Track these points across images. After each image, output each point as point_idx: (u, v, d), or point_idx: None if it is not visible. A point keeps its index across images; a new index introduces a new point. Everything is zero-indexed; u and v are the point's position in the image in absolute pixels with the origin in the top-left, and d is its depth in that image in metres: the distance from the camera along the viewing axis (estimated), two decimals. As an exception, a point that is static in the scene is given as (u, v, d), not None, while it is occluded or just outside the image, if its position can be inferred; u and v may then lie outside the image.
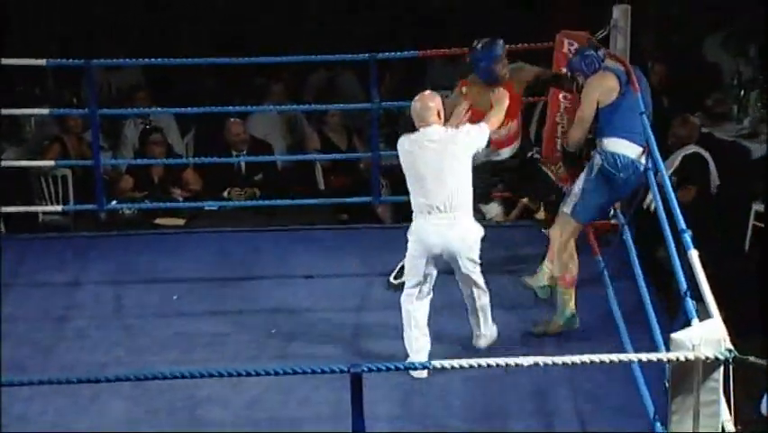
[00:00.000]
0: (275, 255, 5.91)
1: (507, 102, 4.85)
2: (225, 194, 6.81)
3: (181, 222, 6.60)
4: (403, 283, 5.18)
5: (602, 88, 4.86)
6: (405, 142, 4.72)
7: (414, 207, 4.70)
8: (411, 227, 4.71)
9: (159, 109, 7.00)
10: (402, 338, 4.76)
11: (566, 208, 4.91)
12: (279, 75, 7.76)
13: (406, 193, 6.57)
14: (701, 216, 5.86)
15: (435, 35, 8.16)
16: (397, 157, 6.91)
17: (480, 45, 4.99)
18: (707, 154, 6.23)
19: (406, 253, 4.74)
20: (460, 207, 4.59)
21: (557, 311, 4.91)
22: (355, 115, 7.36)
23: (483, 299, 4.80)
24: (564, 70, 5.20)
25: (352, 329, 5.09)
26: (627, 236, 5.08)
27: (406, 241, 5.30)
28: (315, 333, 5.06)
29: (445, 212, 4.58)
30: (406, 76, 7.86)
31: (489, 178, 5.28)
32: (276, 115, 7.60)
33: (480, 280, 4.75)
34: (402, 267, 5.26)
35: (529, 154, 5.29)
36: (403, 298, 4.76)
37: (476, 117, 4.81)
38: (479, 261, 4.71)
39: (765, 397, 3.72)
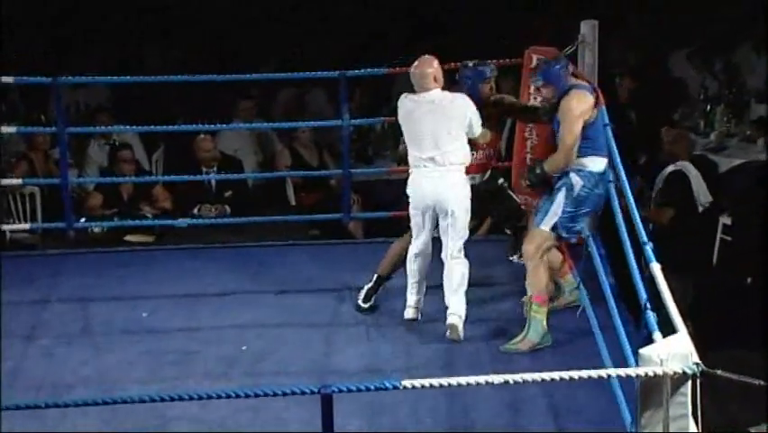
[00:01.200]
0: (245, 272, 5.87)
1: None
2: (196, 211, 6.78)
3: (151, 239, 6.57)
4: (373, 306, 5.28)
5: (585, 108, 4.80)
6: (405, 102, 4.95)
7: (410, 161, 4.96)
8: (408, 181, 4.98)
9: (126, 127, 6.96)
10: (372, 352, 4.92)
11: (544, 226, 4.84)
12: (249, 91, 7.75)
13: (377, 209, 6.65)
14: (680, 237, 5.92)
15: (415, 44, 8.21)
16: (368, 174, 7.05)
17: (471, 64, 5.15)
18: (692, 171, 6.23)
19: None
20: (453, 164, 4.86)
21: (529, 329, 4.88)
22: (325, 131, 7.36)
23: (460, 268, 4.93)
24: (536, 91, 5.18)
25: (323, 345, 5.07)
26: (593, 249, 5.09)
27: (378, 257, 5.36)
28: (286, 349, 5.03)
29: (439, 165, 4.86)
30: (375, 91, 7.87)
31: None
32: (246, 131, 7.58)
33: (461, 244, 4.90)
34: (369, 289, 5.28)
35: (500, 182, 5.37)
36: (409, 249, 5.06)
37: None
38: (468, 218, 4.90)
39: None
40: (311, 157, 7.35)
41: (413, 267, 5.08)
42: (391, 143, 7.39)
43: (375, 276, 5.31)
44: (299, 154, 7.33)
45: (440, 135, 4.84)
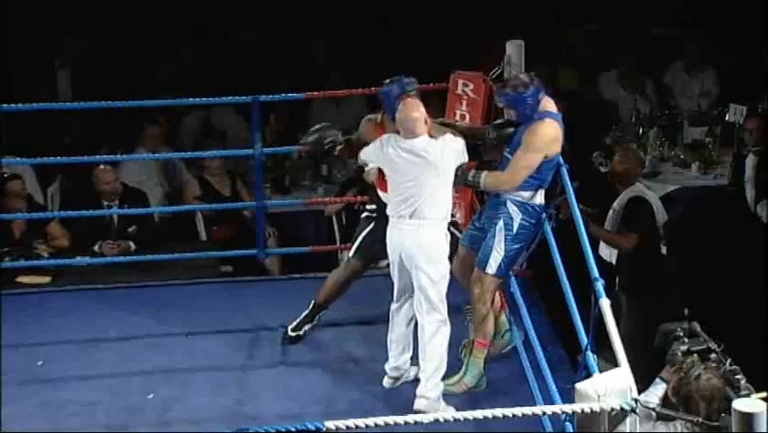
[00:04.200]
0: (151, 313, 5.80)
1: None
2: (96, 248, 6.67)
3: (46, 280, 6.43)
4: (300, 336, 5.29)
5: (555, 142, 4.78)
6: (388, 146, 4.78)
7: (388, 209, 4.86)
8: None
9: (17, 159, 6.83)
10: (290, 397, 4.92)
11: (489, 270, 4.82)
12: (154, 117, 7.67)
13: (295, 244, 6.61)
14: (646, 264, 6.02)
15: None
16: (284, 205, 7.02)
17: (387, 81, 4.99)
18: (648, 192, 6.33)
19: None
20: (429, 217, 4.74)
21: (466, 371, 4.92)
22: (238, 158, 7.32)
23: (429, 334, 4.75)
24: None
25: (237, 390, 5.03)
26: (514, 287, 5.18)
27: (297, 294, 5.34)
28: (197, 396, 4.98)
29: (412, 219, 4.74)
30: (290, 117, 7.87)
31: None
32: (151, 161, 7.50)
33: (434, 307, 4.74)
34: (302, 319, 5.31)
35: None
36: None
37: None
38: (439, 279, 4.74)
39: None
40: (222, 187, 7.29)
41: (391, 321, 4.95)
42: (310, 173, 7.38)
43: (312, 303, 5.30)
44: (209, 184, 7.27)
45: (420, 188, 4.73)
